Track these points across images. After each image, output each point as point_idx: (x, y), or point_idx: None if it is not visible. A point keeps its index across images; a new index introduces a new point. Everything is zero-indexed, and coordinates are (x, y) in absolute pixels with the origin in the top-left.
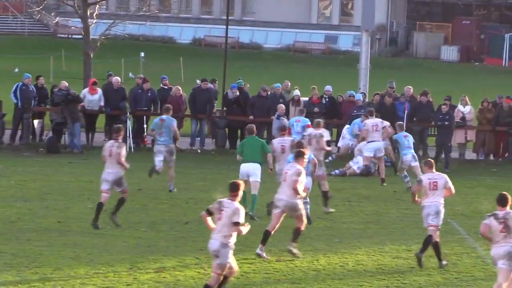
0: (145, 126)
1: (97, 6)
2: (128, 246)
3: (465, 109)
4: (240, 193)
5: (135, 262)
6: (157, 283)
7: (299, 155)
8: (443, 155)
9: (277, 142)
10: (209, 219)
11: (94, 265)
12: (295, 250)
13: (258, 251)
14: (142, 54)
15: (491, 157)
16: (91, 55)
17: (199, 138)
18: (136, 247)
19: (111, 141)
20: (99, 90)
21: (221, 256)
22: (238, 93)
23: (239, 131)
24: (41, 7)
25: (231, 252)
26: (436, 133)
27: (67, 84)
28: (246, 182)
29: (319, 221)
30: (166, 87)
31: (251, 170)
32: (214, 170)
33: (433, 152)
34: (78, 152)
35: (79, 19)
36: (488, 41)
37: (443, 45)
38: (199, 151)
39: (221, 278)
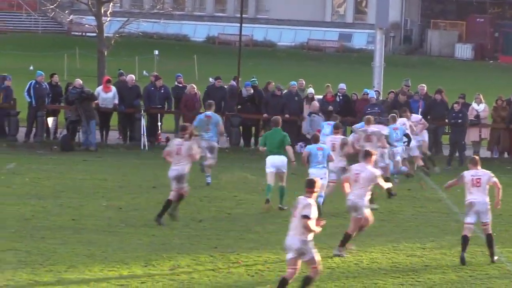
0: (159, 124)
1: (111, 4)
2: (142, 244)
3: (479, 107)
4: (316, 189)
5: (149, 260)
6: (171, 280)
7: (367, 155)
8: (457, 154)
9: (329, 140)
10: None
11: (108, 262)
12: (341, 253)
13: (335, 251)
14: (156, 52)
15: (506, 155)
16: (105, 53)
17: None
18: (150, 245)
19: (179, 140)
20: (113, 88)
21: (307, 252)
22: (252, 91)
23: (253, 129)
24: (55, 5)
25: (312, 244)
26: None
27: (81, 82)
28: (275, 174)
29: (333, 219)
30: (180, 85)
31: (278, 162)
32: (228, 168)
33: (447, 151)
34: (94, 149)
35: (93, 17)
36: (502, 39)
37: (457, 43)
38: None
39: (319, 269)
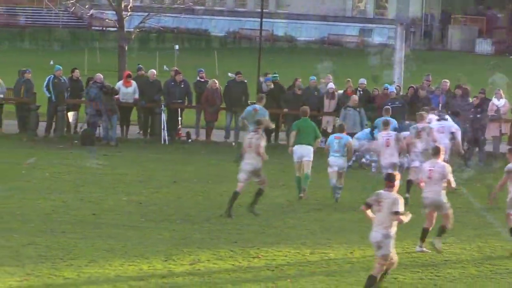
0: (179, 118)
1: None
2: (162, 239)
3: (500, 102)
4: (397, 183)
5: (169, 255)
6: (191, 275)
7: (437, 151)
8: (477, 149)
9: (381, 136)
10: (369, 211)
11: (128, 257)
12: (438, 245)
13: (417, 248)
14: (177, 47)
15: None
16: (126, 48)
17: (233, 131)
18: (170, 240)
19: (252, 133)
20: (134, 83)
21: (384, 246)
22: (272, 86)
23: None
24: None
25: (393, 242)
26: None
27: (102, 77)
28: (300, 164)
29: (354, 213)
30: (202, 80)
31: (305, 152)
32: None
33: None
34: (114, 144)
35: (113, 12)
36: None
37: (477, 38)
38: (233, 144)
39: (384, 268)
